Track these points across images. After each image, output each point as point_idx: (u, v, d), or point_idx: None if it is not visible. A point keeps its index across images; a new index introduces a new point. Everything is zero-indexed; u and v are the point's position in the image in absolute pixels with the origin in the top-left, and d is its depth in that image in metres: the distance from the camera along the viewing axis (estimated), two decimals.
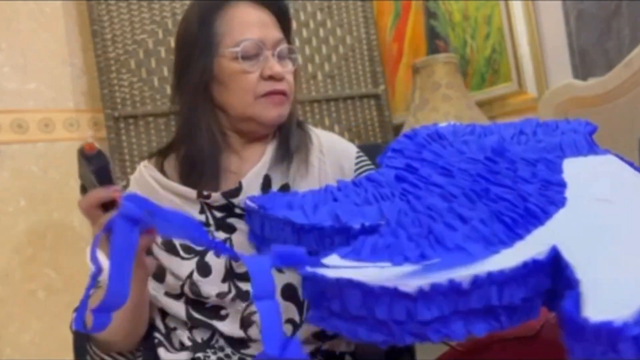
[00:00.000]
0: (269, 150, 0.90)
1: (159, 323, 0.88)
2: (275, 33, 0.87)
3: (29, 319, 1.79)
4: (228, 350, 0.84)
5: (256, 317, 0.84)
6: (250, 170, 0.88)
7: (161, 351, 0.85)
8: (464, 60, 1.81)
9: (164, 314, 0.88)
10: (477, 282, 0.46)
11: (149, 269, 0.76)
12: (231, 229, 0.87)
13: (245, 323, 0.84)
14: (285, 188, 0.89)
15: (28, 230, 1.82)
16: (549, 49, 1.58)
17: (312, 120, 2.00)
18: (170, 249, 0.86)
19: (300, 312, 0.85)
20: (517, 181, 0.63)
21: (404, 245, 0.53)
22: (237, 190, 0.86)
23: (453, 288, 0.45)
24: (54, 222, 1.87)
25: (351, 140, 2.03)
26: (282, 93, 0.86)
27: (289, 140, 0.91)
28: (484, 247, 0.51)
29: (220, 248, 0.63)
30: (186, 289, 0.85)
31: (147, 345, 0.87)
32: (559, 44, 1.55)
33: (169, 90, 0.95)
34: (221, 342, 0.85)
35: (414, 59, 1.89)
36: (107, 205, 0.67)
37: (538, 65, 1.60)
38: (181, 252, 0.86)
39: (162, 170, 0.90)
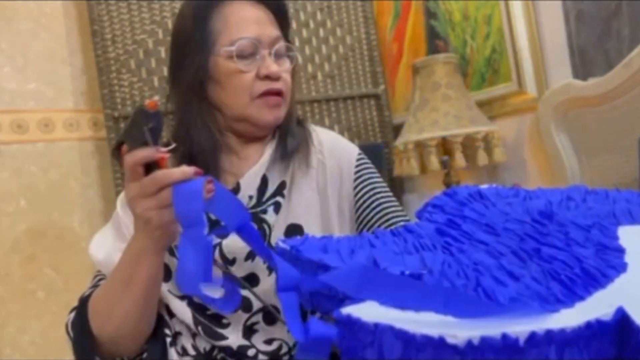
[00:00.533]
0: (268, 150, 0.89)
1: (169, 322, 0.85)
2: (272, 31, 0.85)
3: (29, 319, 1.79)
4: None
5: (259, 327, 0.83)
6: (248, 172, 0.87)
7: (172, 351, 0.83)
8: (464, 60, 1.81)
9: (170, 316, 0.86)
10: (534, 340, 0.40)
11: (171, 239, 0.74)
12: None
13: (248, 332, 0.83)
14: (282, 186, 0.88)
15: (28, 230, 1.82)
16: (549, 49, 1.58)
17: (312, 120, 2.00)
18: (170, 251, 0.85)
19: (303, 317, 0.84)
20: (570, 244, 0.58)
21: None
22: (235, 191, 0.85)
23: (507, 344, 0.40)
24: (54, 222, 1.87)
25: (351, 140, 2.03)
26: (279, 93, 0.85)
27: (287, 140, 0.90)
28: (540, 305, 0.46)
29: (258, 246, 0.63)
30: None
31: (154, 349, 0.84)
32: (559, 44, 1.55)
33: (169, 90, 0.94)
34: (222, 354, 0.83)
35: (414, 59, 1.89)
36: (150, 166, 0.66)
37: (538, 65, 1.60)
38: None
39: None
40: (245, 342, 0.83)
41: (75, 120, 1.93)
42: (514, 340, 0.40)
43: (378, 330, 0.43)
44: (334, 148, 0.93)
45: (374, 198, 0.91)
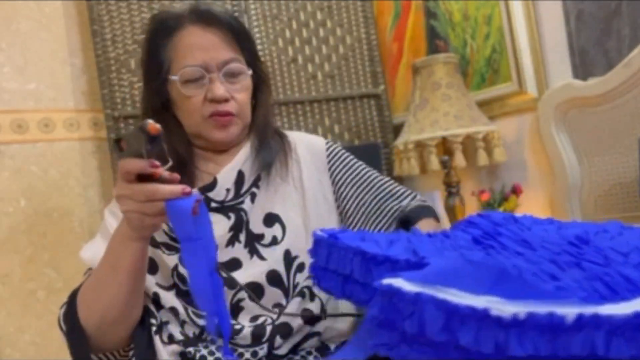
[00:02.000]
0: (244, 149, 0.96)
1: (155, 313, 0.89)
2: (221, 54, 0.89)
3: (29, 319, 1.79)
4: (220, 342, 0.86)
5: (245, 304, 0.88)
6: (225, 167, 0.93)
7: (157, 339, 0.87)
8: (464, 60, 1.81)
9: (157, 307, 0.90)
10: (582, 322, 0.39)
11: (152, 232, 0.79)
12: None
13: (235, 310, 0.87)
14: (257, 179, 0.94)
15: (28, 230, 1.82)
16: (549, 49, 1.58)
17: (312, 120, 2.00)
18: (155, 244, 0.89)
19: (286, 296, 0.89)
20: (610, 263, 0.56)
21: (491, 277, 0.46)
22: (212, 185, 0.91)
23: (553, 323, 0.38)
24: (54, 222, 1.87)
25: (351, 140, 2.03)
26: (227, 114, 0.89)
27: (262, 143, 0.96)
28: (584, 298, 0.45)
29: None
30: (175, 279, 0.88)
31: (140, 339, 0.87)
32: (559, 44, 1.55)
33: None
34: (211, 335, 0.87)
35: (414, 59, 1.89)
36: (143, 178, 0.70)
37: (538, 65, 1.60)
38: (163, 248, 0.89)
39: None
40: (232, 321, 0.86)
41: (75, 120, 1.93)
42: (560, 319, 0.38)
43: (420, 301, 0.41)
44: (304, 145, 1.01)
45: (349, 172, 1.00)
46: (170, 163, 0.69)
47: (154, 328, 0.87)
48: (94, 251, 0.90)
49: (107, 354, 0.87)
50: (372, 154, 1.95)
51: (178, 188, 0.69)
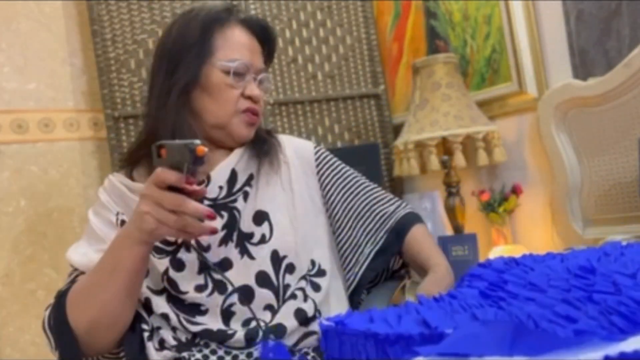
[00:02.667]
0: (237, 149, 0.98)
1: (146, 318, 0.88)
2: (259, 61, 0.98)
3: (29, 319, 1.79)
4: (213, 345, 0.86)
5: (236, 308, 0.87)
6: (219, 164, 0.95)
7: (150, 345, 0.86)
8: (464, 60, 1.81)
9: (148, 313, 0.89)
10: None
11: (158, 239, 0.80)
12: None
13: (226, 315, 0.87)
14: (250, 178, 0.96)
15: (28, 230, 1.82)
16: (549, 49, 1.58)
17: (312, 120, 2.00)
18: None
19: (277, 297, 0.89)
20: (621, 289, 0.58)
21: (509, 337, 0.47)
22: (205, 183, 0.92)
23: None
24: (54, 222, 1.87)
25: (351, 140, 2.03)
26: (256, 113, 0.96)
27: (255, 143, 0.99)
28: (605, 337, 0.45)
29: None
30: (165, 284, 0.88)
31: (132, 345, 0.86)
32: (559, 44, 1.55)
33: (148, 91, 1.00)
34: (205, 340, 0.86)
35: (414, 59, 1.89)
36: (173, 189, 0.72)
37: (538, 65, 1.60)
38: (153, 252, 0.88)
39: (131, 178, 0.95)
40: (223, 327, 0.86)
41: (75, 120, 1.93)
42: None
43: None
44: (292, 148, 1.04)
45: (337, 177, 1.04)
46: (204, 185, 0.72)
47: (146, 334, 0.87)
48: (82, 253, 0.89)
49: (95, 358, 0.86)
50: (372, 154, 1.95)
51: (204, 210, 0.72)
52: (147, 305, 0.89)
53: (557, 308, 0.54)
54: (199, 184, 0.73)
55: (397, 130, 1.94)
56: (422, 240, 1.01)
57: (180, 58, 0.93)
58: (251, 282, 0.88)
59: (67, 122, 1.92)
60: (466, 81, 1.79)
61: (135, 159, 0.97)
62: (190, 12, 0.97)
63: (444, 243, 1.66)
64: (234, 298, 0.87)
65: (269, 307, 0.88)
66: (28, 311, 1.79)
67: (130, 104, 1.83)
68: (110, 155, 1.80)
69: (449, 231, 1.75)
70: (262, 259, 0.90)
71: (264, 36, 1.00)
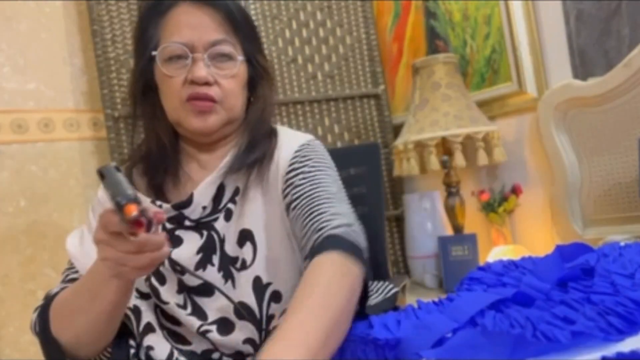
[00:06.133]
0: (227, 158, 0.86)
1: (135, 331, 0.83)
2: (210, 34, 0.81)
3: (29, 319, 1.79)
4: None
5: (212, 336, 0.82)
6: (205, 180, 0.84)
7: None
8: (464, 60, 1.81)
9: (137, 320, 0.85)
10: None
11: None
12: (179, 242, 0.84)
13: (203, 336, 0.83)
14: (235, 193, 0.85)
15: (28, 230, 1.82)
16: (549, 49, 1.58)
17: (312, 120, 2.00)
18: None
19: (259, 331, 0.81)
20: (619, 290, 0.59)
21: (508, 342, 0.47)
22: (188, 202, 0.83)
23: None
24: (54, 222, 1.87)
25: (351, 140, 2.03)
26: (206, 98, 0.80)
27: (250, 143, 0.86)
28: (604, 337, 0.46)
29: None
30: (149, 290, 0.84)
31: (119, 350, 0.83)
32: (559, 44, 1.55)
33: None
34: (182, 358, 0.83)
35: (414, 59, 1.89)
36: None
37: (538, 65, 1.59)
38: None
39: (130, 176, 0.90)
40: (209, 346, 0.82)
41: (75, 120, 1.93)
42: None
43: None
44: (285, 148, 0.88)
45: (300, 177, 0.83)
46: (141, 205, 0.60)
47: (132, 350, 0.82)
48: (81, 252, 0.84)
49: None
50: (372, 154, 1.94)
51: (160, 241, 0.62)
52: (136, 312, 0.84)
53: (555, 310, 0.54)
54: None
55: (397, 130, 1.94)
56: (311, 274, 0.67)
57: (135, 58, 0.87)
58: (230, 314, 0.81)
59: (67, 122, 1.92)
60: (466, 81, 1.79)
61: (135, 159, 0.92)
62: (139, 5, 0.91)
63: (444, 243, 1.66)
64: (213, 327, 0.82)
65: (249, 341, 0.81)
66: (28, 311, 1.78)
67: (130, 104, 1.82)
68: (110, 155, 1.80)
69: (448, 231, 1.75)
70: (242, 287, 0.80)
71: (213, 1, 0.83)
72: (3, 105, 1.81)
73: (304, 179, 0.83)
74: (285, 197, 0.83)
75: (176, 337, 0.85)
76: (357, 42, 2.07)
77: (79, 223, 1.89)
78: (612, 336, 0.47)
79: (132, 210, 0.58)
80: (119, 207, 0.58)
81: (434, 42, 1.93)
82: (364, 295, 0.71)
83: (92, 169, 1.95)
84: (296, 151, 0.86)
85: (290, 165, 0.85)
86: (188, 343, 0.84)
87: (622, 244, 0.82)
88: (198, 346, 0.84)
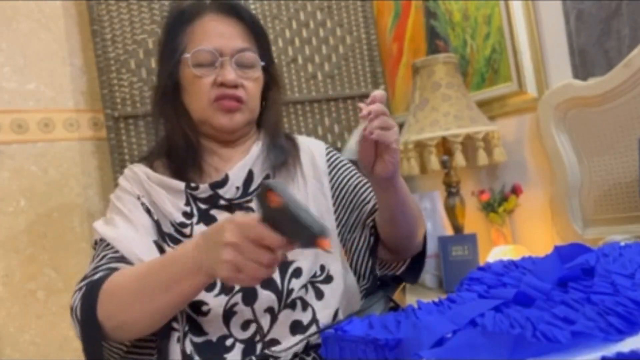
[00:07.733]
0: (254, 148, 0.97)
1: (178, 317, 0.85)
2: (237, 42, 0.92)
3: (29, 319, 1.79)
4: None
5: (238, 308, 0.86)
6: (237, 165, 0.94)
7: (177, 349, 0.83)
8: (464, 60, 1.81)
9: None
10: None
11: None
12: (213, 220, 0.91)
13: (227, 315, 0.86)
14: (266, 178, 0.96)
15: (28, 230, 1.82)
16: (549, 49, 1.58)
17: (312, 120, 2.00)
18: (161, 234, 0.89)
19: (279, 301, 0.88)
20: (619, 290, 0.59)
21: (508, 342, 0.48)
22: (223, 182, 0.92)
23: None
24: (54, 222, 1.87)
25: None
26: (235, 98, 0.91)
27: (273, 143, 0.98)
28: (603, 337, 0.47)
29: None
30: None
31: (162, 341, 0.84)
32: (559, 44, 1.55)
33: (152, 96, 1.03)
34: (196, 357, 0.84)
35: (414, 59, 1.89)
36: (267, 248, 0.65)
37: (538, 65, 1.59)
38: (168, 241, 0.89)
39: (152, 168, 0.96)
40: (225, 332, 0.85)
41: (75, 120, 1.93)
42: None
43: None
44: (307, 148, 1.04)
45: (345, 175, 1.03)
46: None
47: (177, 334, 0.83)
48: (120, 236, 0.85)
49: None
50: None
51: (281, 259, 0.66)
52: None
53: (555, 310, 0.55)
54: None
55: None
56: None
57: (160, 61, 0.97)
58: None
59: (67, 122, 1.92)
60: (466, 81, 1.79)
61: (157, 154, 0.97)
62: (169, 12, 0.99)
63: (444, 243, 1.66)
64: (238, 298, 0.86)
65: (269, 310, 0.87)
66: (28, 311, 1.79)
67: (130, 104, 1.83)
68: (110, 155, 1.80)
69: (449, 231, 1.75)
70: None
71: (237, 13, 0.95)
72: (3, 105, 1.81)
73: (345, 164, 1.05)
74: (333, 174, 1.02)
75: (194, 327, 0.86)
76: (357, 42, 2.07)
77: (79, 223, 1.89)
78: (612, 336, 0.47)
79: (326, 246, 0.61)
80: (313, 236, 0.61)
81: (434, 42, 1.93)
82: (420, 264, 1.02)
83: (92, 169, 1.95)
84: (325, 145, 1.07)
85: (328, 153, 1.05)
86: (204, 334, 0.86)
87: (622, 244, 0.82)
88: (213, 334, 0.86)
